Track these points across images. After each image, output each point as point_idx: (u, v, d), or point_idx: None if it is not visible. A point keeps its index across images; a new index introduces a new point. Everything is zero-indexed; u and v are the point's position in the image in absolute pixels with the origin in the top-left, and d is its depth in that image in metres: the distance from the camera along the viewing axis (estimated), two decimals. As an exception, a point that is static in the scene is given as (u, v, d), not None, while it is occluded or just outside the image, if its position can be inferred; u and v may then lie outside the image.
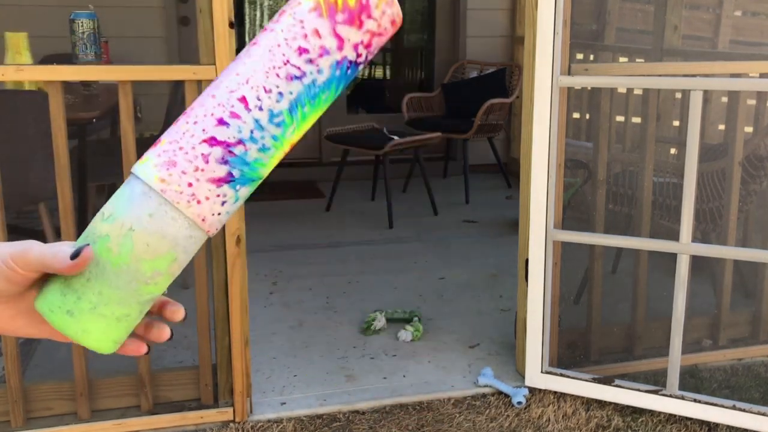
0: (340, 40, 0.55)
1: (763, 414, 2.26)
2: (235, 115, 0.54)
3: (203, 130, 0.54)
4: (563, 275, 2.50)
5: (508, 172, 5.38)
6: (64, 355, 2.41)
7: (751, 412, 2.27)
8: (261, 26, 6.08)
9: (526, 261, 2.45)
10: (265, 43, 0.56)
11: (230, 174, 0.55)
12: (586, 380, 2.45)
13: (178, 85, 3.29)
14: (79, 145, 3.07)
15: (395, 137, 4.37)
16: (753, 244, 2.92)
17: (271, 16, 6.02)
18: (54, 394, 2.30)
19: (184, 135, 0.54)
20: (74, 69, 2.41)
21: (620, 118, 3.07)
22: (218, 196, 0.55)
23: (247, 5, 5.91)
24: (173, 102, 3.44)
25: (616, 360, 2.67)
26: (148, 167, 0.54)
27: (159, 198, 0.54)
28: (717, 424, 2.31)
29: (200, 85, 2.15)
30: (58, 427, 2.25)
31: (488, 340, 2.89)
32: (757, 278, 2.88)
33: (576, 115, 3.21)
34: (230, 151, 0.54)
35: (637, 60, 3.11)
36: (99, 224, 0.55)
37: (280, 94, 0.55)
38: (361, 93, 6.23)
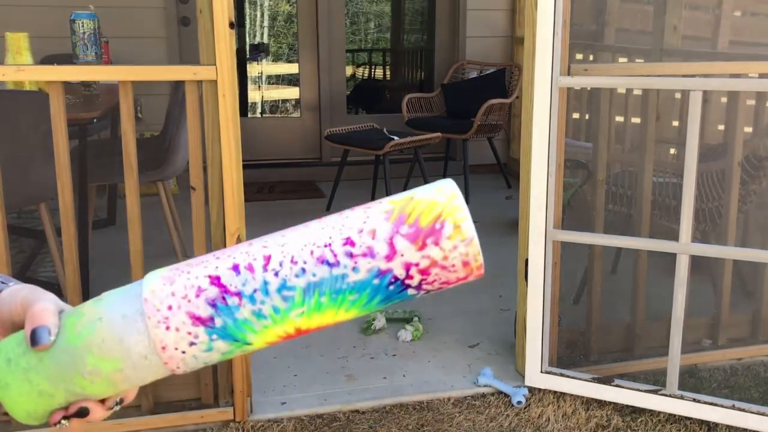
0: (393, 250, 0.52)
1: (763, 414, 2.26)
2: (250, 268, 0.52)
3: (216, 267, 0.53)
4: (563, 275, 2.50)
5: (508, 172, 5.38)
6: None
7: (751, 412, 2.27)
8: (261, 26, 6.08)
9: (526, 261, 2.45)
10: (328, 219, 0.54)
11: (211, 319, 0.52)
12: (586, 380, 2.46)
13: (178, 86, 3.29)
14: (79, 146, 3.07)
15: (395, 137, 4.37)
16: (752, 244, 2.92)
17: (271, 16, 6.03)
18: (54, 394, 2.30)
19: (202, 263, 0.54)
20: (75, 69, 2.41)
21: (620, 119, 3.07)
22: (189, 333, 0.52)
23: (247, 5, 5.91)
24: (173, 102, 3.44)
25: (615, 360, 2.68)
26: (156, 275, 0.54)
27: (139, 306, 0.52)
28: (716, 424, 2.31)
29: (200, 86, 2.15)
30: (58, 426, 2.25)
31: (488, 339, 2.90)
32: (756, 278, 2.89)
33: (576, 116, 3.22)
34: (223, 298, 0.52)
35: (637, 60, 3.11)
36: (88, 303, 0.54)
37: (303, 270, 0.52)
38: (361, 93, 6.23)
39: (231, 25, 2.07)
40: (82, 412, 0.56)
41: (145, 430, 2.28)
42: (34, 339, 0.52)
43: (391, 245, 0.52)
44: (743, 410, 2.28)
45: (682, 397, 2.34)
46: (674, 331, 2.31)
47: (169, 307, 0.52)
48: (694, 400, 2.33)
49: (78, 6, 3.27)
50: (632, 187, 2.81)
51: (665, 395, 2.35)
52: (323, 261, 0.52)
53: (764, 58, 3.04)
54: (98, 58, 3.13)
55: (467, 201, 4.88)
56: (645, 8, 3.10)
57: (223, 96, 2.11)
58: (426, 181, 4.54)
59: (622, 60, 3.03)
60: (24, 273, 3.39)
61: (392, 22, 6.24)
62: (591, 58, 2.97)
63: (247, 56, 5.92)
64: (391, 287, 0.53)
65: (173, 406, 2.37)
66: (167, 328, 0.52)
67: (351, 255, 0.52)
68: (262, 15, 6.07)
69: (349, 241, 0.52)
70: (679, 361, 2.33)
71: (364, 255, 0.52)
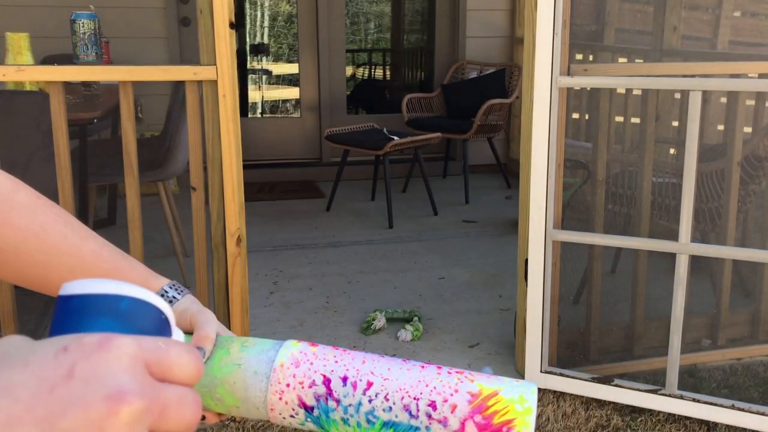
0: (462, 430, 0.61)
1: (762, 413, 2.26)
2: (354, 386, 0.63)
3: (332, 371, 0.64)
4: (563, 275, 2.51)
5: (508, 172, 5.38)
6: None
7: (750, 412, 2.28)
8: (261, 26, 6.09)
9: (526, 261, 2.46)
10: (428, 371, 0.64)
11: (312, 408, 0.64)
12: (586, 380, 2.46)
13: (178, 86, 3.29)
14: (80, 146, 3.07)
15: (395, 137, 4.37)
16: (752, 244, 2.92)
17: (271, 17, 6.03)
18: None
19: (326, 358, 0.65)
20: (75, 69, 2.42)
21: (619, 119, 3.07)
22: (293, 409, 0.64)
23: (247, 5, 5.92)
24: (174, 102, 3.44)
25: (615, 359, 2.68)
26: (289, 350, 0.66)
27: (268, 371, 0.65)
28: (716, 424, 2.31)
29: (201, 86, 2.15)
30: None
31: (488, 339, 2.90)
32: (756, 278, 2.89)
33: (575, 116, 3.22)
34: (326, 398, 0.63)
35: (637, 60, 3.11)
36: (237, 342, 0.68)
37: (390, 408, 0.62)
38: (361, 93, 6.23)
39: (231, 26, 2.08)
40: (203, 417, 0.68)
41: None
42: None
43: (462, 426, 0.61)
44: (743, 410, 2.28)
45: (681, 397, 2.34)
46: (674, 330, 2.31)
47: (288, 385, 0.64)
48: (694, 399, 2.33)
49: (78, 6, 3.27)
50: (632, 187, 2.81)
51: (665, 395, 2.36)
52: (407, 410, 0.62)
53: (764, 58, 3.04)
54: (99, 58, 3.13)
55: (467, 201, 4.88)
56: (645, 8, 3.11)
57: (223, 96, 2.11)
58: (426, 182, 4.55)
59: (621, 60, 3.03)
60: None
61: (392, 22, 6.25)
62: (591, 58, 2.97)
63: (249, 66, 5.92)
64: None
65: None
66: (280, 398, 0.64)
67: (429, 416, 0.62)
68: (263, 15, 6.07)
69: (433, 405, 0.62)
70: (679, 361, 2.33)
71: (440, 422, 0.61)
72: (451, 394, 0.62)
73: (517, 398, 0.61)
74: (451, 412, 0.61)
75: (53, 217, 0.67)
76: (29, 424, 0.33)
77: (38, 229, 0.65)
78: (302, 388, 0.64)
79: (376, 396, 0.63)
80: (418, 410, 0.62)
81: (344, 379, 0.64)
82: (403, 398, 0.62)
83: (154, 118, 4.67)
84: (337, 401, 0.63)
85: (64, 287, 0.42)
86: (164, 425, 0.36)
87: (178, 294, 0.70)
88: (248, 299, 2.32)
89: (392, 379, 0.64)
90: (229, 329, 2.31)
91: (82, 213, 3.05)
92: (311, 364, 0.65)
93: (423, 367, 0.65)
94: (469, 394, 0.61)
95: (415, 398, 0.62)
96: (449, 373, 0.64)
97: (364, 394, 0.63)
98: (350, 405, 0.63)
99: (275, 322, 3.04)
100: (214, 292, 2.29)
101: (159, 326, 0.44)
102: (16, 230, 0.65)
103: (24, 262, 0.66)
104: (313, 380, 0.64)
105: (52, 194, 2.22)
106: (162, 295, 0.69)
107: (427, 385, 0.63)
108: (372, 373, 0.64)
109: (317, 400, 0.64)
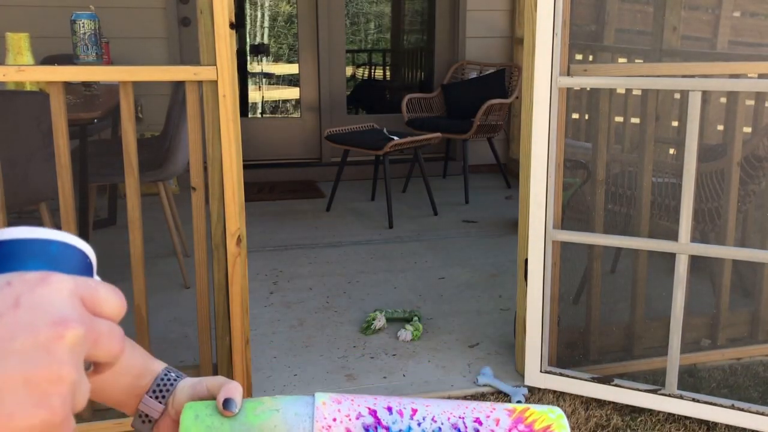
0: None
1: (762, 413, 2.26)
2: (400, 413, 0.66)
3: (374, 403, 0.67)
4: (562, 275, 2.51)
5: (508, 172, 5.39)
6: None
7: (750, 412, 2.28)
8: (261, 26, 6.09)
9: (526, 261, 2.46)
10: (461, 403, 0.69)
11: None
12: (585, 380, 2.46)
13: (178, 86, 3.30)
14: (80, 146, 3.08)
15: (395, 137, 4.37)
16: (751, 244, 2.93)
17: (271, 17, 6.04)
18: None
19: (364, 397, 0.68)
20: (75, 69, 2.42)
21: (619, 119, 3.07)
22: None
23: (247, 6, 5.92)
24: (174, 102, 3.45)
25: (615, 359, 2.68)
26: (326, 395, 0.68)
27: (310, 411, 0.66)
28: (716, 424, 2.32)
29: (201, 86, 2.16)
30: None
31: (488, 339, 2.90)
32: (755, 278, 2.89)
33: (575, 116, 3.22)
34: (375, 427, 0.65)
35: (636, 60, 3.11)
36: (266, 397, 0.69)
37: (440, 429, 0.66)
38: (361, 93, 6.24)
39: (231, 26, 2.08)
40: None
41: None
42: (226, 405, 0.66)
43: None
44: (742, 410, 2.28)
45: (681, 397, 2.34)
46: (673, 330, 2.31)
47: (334, 419, 0.65)
48: (694, 399, 2.33)
49: (78, 6, 3.28)
50: (632, 187, 2.81)
51: (664, 395, 2.36)
52: (456, 428, 0.65)
53: (764, 58, 3.04)
54: (99, 58, 3.13)
55: (467, 201, 4.88)
56: (644, 8, 3.11)
57: (223, 96, 2.11)
58: (426, 182, 4.55)
59: (621, 60, 3.03)
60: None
61: (392, 22, 6.25)
62: (591, 58, 2.97)
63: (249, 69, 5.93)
64: None
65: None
66: None
67: (477, 430, 0.66)
68: (263, 15, 6.07)
69: (478, 421, 0.66)
70: (679, 361, 2.33)
71: None
72: (491, 411, 0.67)
73: (547, 410, 0.68)
74: (497, 425, 0.66)
75: None
76: None
77: None
78: (350, 420, 0.65)
79: (423, 419, 0.65)
80: (465, 427, 0.65)
81: (389, 409, 0.66)
82: (449, 418, 0.66)
83: (154, 118, 4.67)
84: (387, 429, 0.65)
85: None
86: (97, 353, 0.40)
87: (177, 375, 0.75)
88: (248, 299, 2.32)
89: (433, 405, 0.67)
90: (229, 329, 2.32)
91: (82, 213, 3.06)
92: (352, 401, 0.67)
93: (455, 400, 0.70)
94: (506, 410, 0.67)
95: (460, 417, 0.66)
96: (479, 402, 0.69)
97: (411, 419, 0.65)
98: (400, 430, 0.65)
99: (275, 322, 3.04)
100: (214, 292, 2.29)
101: (84, 269, 0.47)
102: None
103: None
104: (359, 412, 0.65)
105: (52, 194, 2.23)
106: (165, 375, 0.73)
107: (467, 407, 0.67)
108: (413, 402, 0.67)
109: (366, 430, 0.65)
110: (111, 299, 0.42)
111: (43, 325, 0.37)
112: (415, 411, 0.66)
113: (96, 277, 0.48)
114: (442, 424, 0.65)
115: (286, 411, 0.65)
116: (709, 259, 2.71)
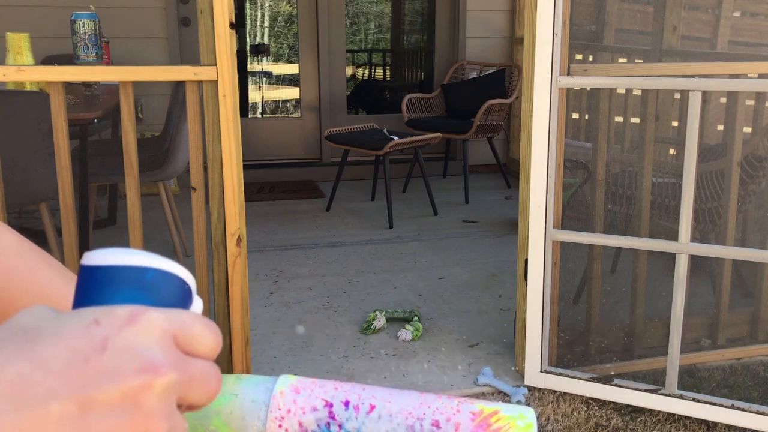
0: None
1: (762, 413, 2.26)
2: (356, 409, 0.64)
3: (333, 396, 0.65)
4: (562, 275, 2.51)
5: (508, 172, 5.39)
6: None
7: (750, 411, 2.28)
8: (261, 26, 6.09)
9: (526, 261, 2.46)
10: (426, 397, 0.66)
11: None
12: (586, 379, 2.46)
13: (178, 86, 3.30)
14: (80, 146, 3.08)
15: (395, 137, 4.38)
16: (751, 243, 2.93)
17: (271, 17, 6.04)
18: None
19: (326, 386, 0.66)
20: (75, 69, 2.42)
21: (619, 119, 3.07)
22: None
23: (247, 6, 5.92)
24: (174, 102, 3.45)
25: (615, 359, 2.68)
26: (287, 381, 0.67)
27: (267, 399, 0.65)
28: (716, 423, 2.32)
29: (201, 86, 2.16)
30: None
31: (488, 339, 2.90)
32: (755, 278, 2.89)
33: (575, 116, 3.22)
34: (328, 424, 0.64)
35: (636, 61, 3.11)
36: (231, 376, 0.68)
37: (394, 430, 0.64)
38: (362, 93, 6.24)
39: (231, 26, 2.08)
40: None
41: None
42: None
43: None
44: (742, 410, 2.28)
45: (681, 397, 2.34)
46: (673, 330, 2.31)
47: (288, 411, 0.64)
48: (694, 399, 2.33)
49: (78, 6, 3.28)
50: (632, 187, 2.81)
51: (664, 395, 2.36)
52: (411, 429, 0.64)
53: (764, 58, 3.04)
54: (99, 58, 3.14)
55: (467, 201, 4.88)
56: (645, 8, 3.11)
57: (223, 96, 2.11)
58: (426, 182, 4.55)
59: (621, 60, 3.03)
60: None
61: (392, 22, 6.25)
62: (591, 58, 2.97)
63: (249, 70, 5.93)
64: None
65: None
66: (280, 425, 0.64)
67: None
68: (263, 15, 6.07)
69: (437, 424, 0.63)
70: (679, 361, 2.34)
71: None
72: (454, 414, 0.63)
73: (517, 415, 0.64)
74: (456, 430, 0.63)
75: (39, 260, 0.64)
76: (64, 397, 0.33)
77: (25, 271, 0.63)
78: (303, 413, 0.64)
79: (379, 418, 0.64)
80: (422, 429, 0.63)
81: (346, 404, 0.64)
82: (407, 419, 0.63)
83: (154, 118, 4.67)
84: (340, 425, 0.64)
85: (88, 257, 0.42)
86: (190, 397, 0.37)
87: None
88: (248, 299, 2.32)
89: (394, 402, 0.65)
90: (229, 329, 2.32)
91: (82, 213, 3.06)
92: (311, 391, 0.66)
93: (422, 394, 0.66)
94: (471, 413, 0.63)
95: (418, 418, 0.63)
96: (449, 397, 0.66)
97: (367, 416, 0.64)
98: (353, 428, 0.64)
99: (275, 322, 3.05)
100: (214, 292, 2.29)
101: (183, 296, 0.44)
102: (2, 273, 0.62)
103: (8, 305, 0.64)
104: (314, 406, 0.65)
105: (52, 194, 2.23)
106: None
107: (429, 407, 0.64)
108: (374, 397, 0.65)
109: (318, 425, 0.64)
110: (206, 337, 0.39)
111: (131, 372, 0.34)
112: (372, 407, 0.64)
113: (196, 301, 0.45)
114: (397, 424, 0.64)
115: (244, 397, 0.65)
116: (709, 259, 2.72)
